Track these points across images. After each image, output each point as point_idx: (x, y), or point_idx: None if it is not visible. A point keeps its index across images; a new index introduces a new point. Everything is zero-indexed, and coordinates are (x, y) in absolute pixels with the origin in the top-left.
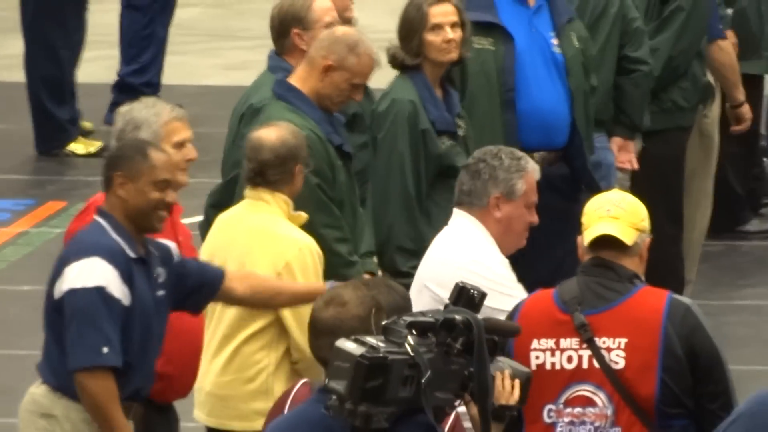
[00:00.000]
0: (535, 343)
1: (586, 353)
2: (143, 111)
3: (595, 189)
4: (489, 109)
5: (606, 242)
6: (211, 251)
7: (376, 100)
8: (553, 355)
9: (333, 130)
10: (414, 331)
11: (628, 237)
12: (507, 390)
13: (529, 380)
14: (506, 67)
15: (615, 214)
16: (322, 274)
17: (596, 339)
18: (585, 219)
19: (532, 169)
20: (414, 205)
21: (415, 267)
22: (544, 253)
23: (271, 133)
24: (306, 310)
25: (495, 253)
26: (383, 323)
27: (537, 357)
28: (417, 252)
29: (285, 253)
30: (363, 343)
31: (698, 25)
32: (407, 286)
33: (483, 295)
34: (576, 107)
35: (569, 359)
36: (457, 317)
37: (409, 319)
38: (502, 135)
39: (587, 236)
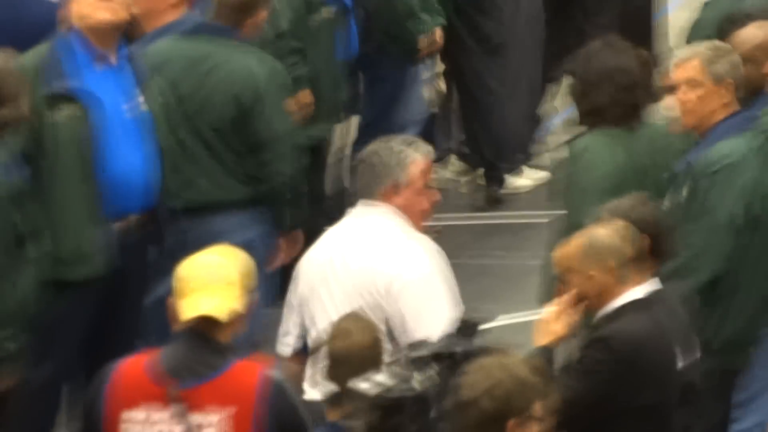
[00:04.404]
0: (125, 415)
1: (177, 428)
2: None
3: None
4: (76, 179)
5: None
6: None
7: None
8: (143, 428)
9: None
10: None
11: (226, 312)
12: None
13: None
14: (92, 134)
15: (211, 292)
16: None
17: (189, 414)
18: (179, 285)
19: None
20: None
21: None
22: None
23: None
24: None
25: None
26: (387, 359)
27: (126, 429)
28: None
29: None
30: (375, 383)
31: None
32: None
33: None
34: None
35: None
36: (458, 349)
37: (415, 353)
38: (85, 205)
39: (185, 311)
